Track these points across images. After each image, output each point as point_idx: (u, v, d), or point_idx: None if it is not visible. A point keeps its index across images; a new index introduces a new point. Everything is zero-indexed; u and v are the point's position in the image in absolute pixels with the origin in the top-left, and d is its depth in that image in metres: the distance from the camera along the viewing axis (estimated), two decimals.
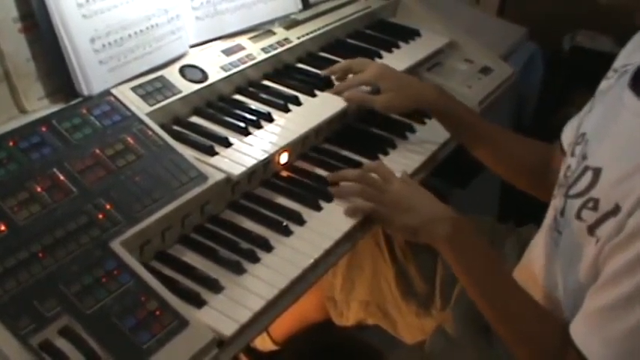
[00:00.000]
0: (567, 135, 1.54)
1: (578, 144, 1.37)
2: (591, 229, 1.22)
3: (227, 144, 1.51)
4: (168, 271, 1.31)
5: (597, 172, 1.24)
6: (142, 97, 1.50)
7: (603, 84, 1.44)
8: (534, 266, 1.43)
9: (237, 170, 1.45)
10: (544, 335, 1.28)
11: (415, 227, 1.43)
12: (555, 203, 1.38)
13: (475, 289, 1.39)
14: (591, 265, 1.21)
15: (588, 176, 1.26)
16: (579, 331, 1.19)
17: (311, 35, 1.97)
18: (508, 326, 1.34)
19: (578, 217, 1.25)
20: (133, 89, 1.51)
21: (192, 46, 1.69)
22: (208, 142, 1.49)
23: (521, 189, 1.75)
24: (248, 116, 1.61)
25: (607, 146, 1.27)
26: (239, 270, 1.32)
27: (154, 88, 1.54)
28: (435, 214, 1.43)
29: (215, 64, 1.69)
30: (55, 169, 1.28)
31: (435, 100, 1.74)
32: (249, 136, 1.56)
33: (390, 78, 1.78)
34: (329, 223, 1.48)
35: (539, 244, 1.45)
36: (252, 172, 1.51)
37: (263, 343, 2.21)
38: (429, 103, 1.75)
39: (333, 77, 1.86)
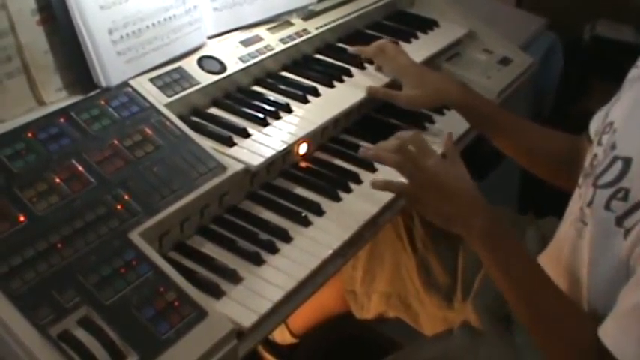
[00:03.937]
0: (595, 125, 1.52)
1: (605, 133, 1.34)
2: (619, 220, 1.20)
3: (246, 135, 1.51)
4: (186, 262, 1.31)
5: (627, 162, 1.22)
6: (160, 88, 1.50)
7: (632, 72, 1.41)
8: (558, 258, 1.41)
9: (255, 161, 1.44)
10: (579, 335, 1.25)
11: (450, 215, 1.38)
12: (581, 193, 1.36)
13: (508, 285, 1.35)
14: (621, 260, 1.19)
15: (618, 166, 1.24)
16: (610, 332, 1.16)
17: (329, 26, 1.96)
18: (541, 324, 1.31)
19: (607, 207, 1.23)
20: (151, 80, 1.51)
21: (210, 37, 1.69)
22: (227, 133, 1.49)
23: (546, 179, 1.73)
24: (266, 107, 1.60)
25: (638, 136, 1.25)
26: (258, 261, 1.32)
27: (172, 80, 1.53)
28: (473, 203, 1.37)
29: (233, 55, 1.68)
30: (73, 160, 1.28)
31: (458, 97, 1.73)
32: (268, 127, 1.55)
33: (413, 74, 1.77)
34: (348, 213, 1.48)
35: (562, 236, 1.43)
36: (270, 163, 1.50)
37: (281, 335, 2.22)
38: (453, 100, 1.74)
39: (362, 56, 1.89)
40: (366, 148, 1.49)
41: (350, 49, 1.87)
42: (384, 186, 1.46)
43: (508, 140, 1.73)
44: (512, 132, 1.72)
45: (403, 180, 1.43)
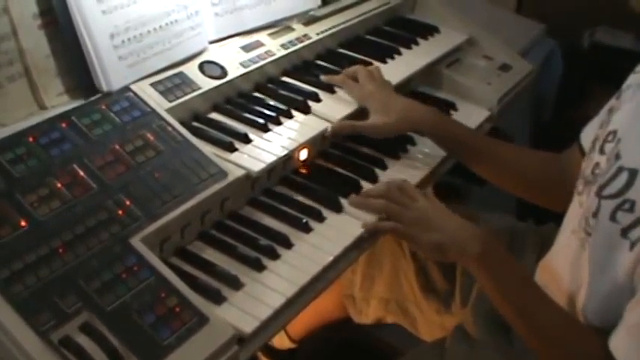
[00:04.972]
0: (588, 135, 1.51)
1: (607, 141, 1.33)
2: (625, 232, 1.19)
3: (247, 140, 1.51)
4: (187, 268, 1.31)
5: (633, 173, 1.22)
6: (162, 93, 1.50)
7: (631, 79, 1.40)
8: (558, 267, 1.41)
9: (256, 167, 1.44)
10: (583, 350, 1.25)
11: (444, 245, 1.39)
12: (582, 201, 1.36)
13: (508, 307, 1.36)
14: (625, 273, 1.18)
15: (623, 177, 1.23)
16: (620, 345, 1.16)
17: (330, 32, 1.96)
18: (544, 343, 1.32)
19: (613, 218, 1.22)
20: (153, 85, 1.51)
21: (211, 42, 1.69)
22: (228, 139, 1.49)
23: (532, 202, 1.72)
24: (267, 112, 1.61)
25: None
26: (259, 267, 1.32)
27: (173, 84, 1.53)
28: (465, 231, 1.40)
29: (234, 61, 1.68)
30: (74, 165, 1.27)
31: (428, 123, 1.69)
32: (269, 133, 1.56)
33: (379, 100, 1.71)
34: (349, 220, 1.48)
35: (562, 244, 1.42)
36: (271, 169, 1.50)
37: (280, 340, 2.21)
38: (423, 126, 1.70)
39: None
40: (352, 198, 1.53)
41: (322, 77, 1.81)
42: (374, 228, 1.47)
43: (485, 164, 1.71)
44: (488, 155, 1.70)
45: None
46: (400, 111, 1.69)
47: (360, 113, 1.74)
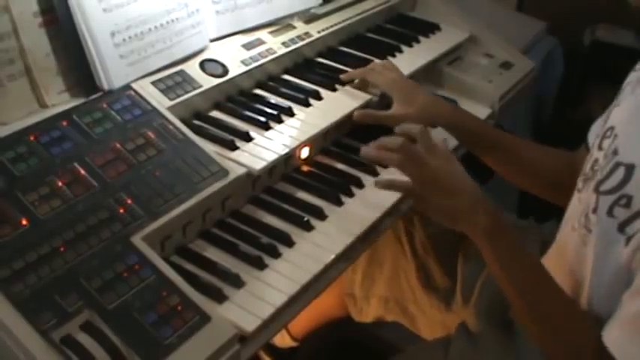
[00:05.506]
0: (593, 134, 1.51)
1: (606, 137, 1.33)
2: (622, 227, 1.19)
3: (248, 138, 1.50)
4: (189, 266, 1.31)
5: (630, 169, 1.21)
6: (163, 91, 1.50)
7: (632, 76, 1.40)
8: (559, 264, 1.40)
9: (258, 165, 1.44)
10: (581, 337, 1.24)
11: (454, 212, 1.36)
12: (581, 198, 1.36)
13: (511, 287, 1.34)
14: (623, 266, 1.18)
15: (620, 172, 1.23)
16: (614, 337, 1.15)
17: (331, 29, 1.96)
18: (542, 323, 1.30)
19: (610, 213, 1.22)
20: (154, 83, 1.50)
21: (212, 40, 1.69)
22: (229, 137, 1.49)
23: (541, 196, 1.72)
24: (269, 110, 1.60)
25: None
26: (260, 265, 1.32)
27: (174, 83, 1.53)
28: (477, 202, 1.35)
29: (235, 59, 1.68)
30: (75, 164, 1.27)
31: (449, 118, 1.69)
32: (270, 131, 1.55)
33: (405, 90, 1.73)
34: (350, 218, 1.47)
35: (563, 240, 1.42)
36: (273, 167, 1.50)
37: (281, 339, 2.21)
38: (444, 120, 1.70)
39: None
40: (367, 147, 1.43)
41: (342, 76, 1.81)
42: (387, 185, 1.45)
43: (499, 158, 1.70)
44: (503, 150, 1.69)
45: (406, 178, 1.40)
46: (422, 104, 1.70)
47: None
